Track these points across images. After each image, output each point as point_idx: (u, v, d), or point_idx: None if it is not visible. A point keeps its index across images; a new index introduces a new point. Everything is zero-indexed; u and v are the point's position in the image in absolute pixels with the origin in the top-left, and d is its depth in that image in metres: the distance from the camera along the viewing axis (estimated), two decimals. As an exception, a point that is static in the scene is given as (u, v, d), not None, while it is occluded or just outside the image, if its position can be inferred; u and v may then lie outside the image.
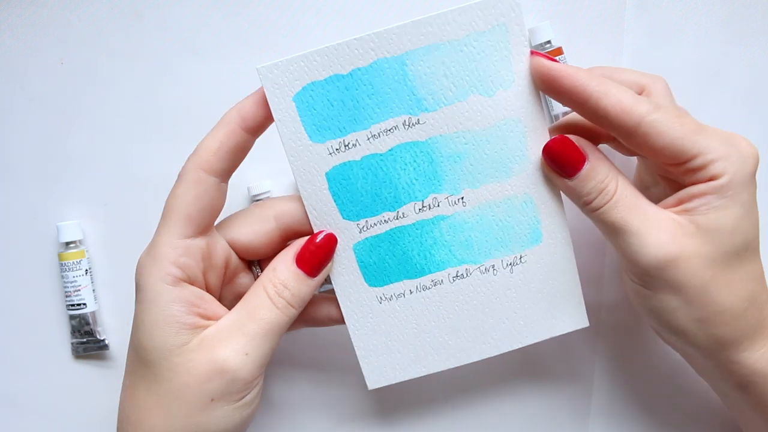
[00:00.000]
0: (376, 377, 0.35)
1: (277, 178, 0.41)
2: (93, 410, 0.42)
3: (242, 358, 0.30)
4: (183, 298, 0.30)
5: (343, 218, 0.33)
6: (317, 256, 0.32)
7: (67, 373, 0.42)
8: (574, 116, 0.33)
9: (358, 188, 0.32)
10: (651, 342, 0.41)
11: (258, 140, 0.32)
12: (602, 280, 0.41)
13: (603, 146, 0.38)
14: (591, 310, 0.35)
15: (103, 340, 0.41)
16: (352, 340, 0.34)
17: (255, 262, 0.35)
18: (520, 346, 0.34)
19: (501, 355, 0.34)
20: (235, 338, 0.30)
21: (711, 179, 0.29)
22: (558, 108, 0.40)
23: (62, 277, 0.41)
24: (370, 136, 0.32)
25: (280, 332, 0.31)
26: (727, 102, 0.41)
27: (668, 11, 0.41)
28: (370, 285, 0.34)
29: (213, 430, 0.30)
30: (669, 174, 0.32)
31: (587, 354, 0.41)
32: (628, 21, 0.41)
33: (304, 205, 0.33)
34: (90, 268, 0.41)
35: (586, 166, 0.31)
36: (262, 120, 0.31)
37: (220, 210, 0.32)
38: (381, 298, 0.34)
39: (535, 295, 0.34)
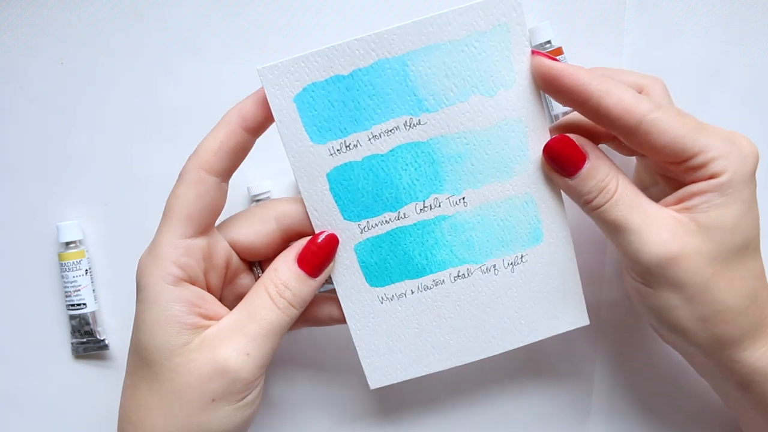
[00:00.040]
0: (377, 377, 0.35)
1: (278, 178, 0.41)
2: (93, 410, 0.42)
3: (243, 358, 0.30)
4: (184, 298, 0.30)
5: (345, 219, 0.33)
6: (319, 256, 0.32)
7: (67, 373, 0.42)
8: (575, 116, 0.33)
9: (359, 189, 0.32)
10: (651, 340, 0.41)
11: (258, 140, 0.32)
12: (603, 279, 0.41)
13: (602, 146, 0.38)
14: (591, 308, 0.35)
15: (103, 340, 0.41)
16: (354, 340, 0.34)
17: (256, 262, 0.35)
18: (521, 345, 0.34)
19: (502, 353, 0.34)
20: (236, 338, 0.30)
21: (712, 177, 0.29)
22: (558, 108, 0.40)
23: (62, 277, 0.41)
24: (371, 136, 0.32)
25: (281, 332, 0.31)
26: (727, 102, 0.41)
27: (668, 11, 0.41)
28: (371, 285, 0.34)
29: (214, 430, 0.30)
30: (669, 173, 0.32)
31: (588, 352, 0.42)
32: (628, 21, 0.41)
33: (305, 206, 0.33)
34: (90, 268, 0.41)
35: (587, 165, 0.31)
36: (263, 120, 0.31)
37: (221, 210, 0.32)
38: (382, 298, 0.34)
39: (536, 294, 0.34)
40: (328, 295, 0.35)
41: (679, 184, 0.31)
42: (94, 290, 0.42)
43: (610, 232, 0.31)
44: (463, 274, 0.34)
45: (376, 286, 0.34)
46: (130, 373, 0.32)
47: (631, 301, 0.34)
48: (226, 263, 0.33)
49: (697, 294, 0.30)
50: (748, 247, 0.30)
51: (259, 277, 0.34)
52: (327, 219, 0.33)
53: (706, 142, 0.29)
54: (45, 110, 0.42)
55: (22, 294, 0.42)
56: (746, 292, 0.30)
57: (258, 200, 0.40)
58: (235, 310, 0.32)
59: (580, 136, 0.32)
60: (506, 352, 0.34)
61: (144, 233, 0.33)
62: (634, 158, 0.38)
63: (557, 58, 0.40)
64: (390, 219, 0.33)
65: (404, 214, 0.33)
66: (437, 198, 0.33)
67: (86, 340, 0.41)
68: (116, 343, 0.42)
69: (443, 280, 0.34)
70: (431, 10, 0.30)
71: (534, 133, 0.32)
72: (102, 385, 0.42)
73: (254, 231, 0.33)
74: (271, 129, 0.32)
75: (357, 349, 0.34)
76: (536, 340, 0.34)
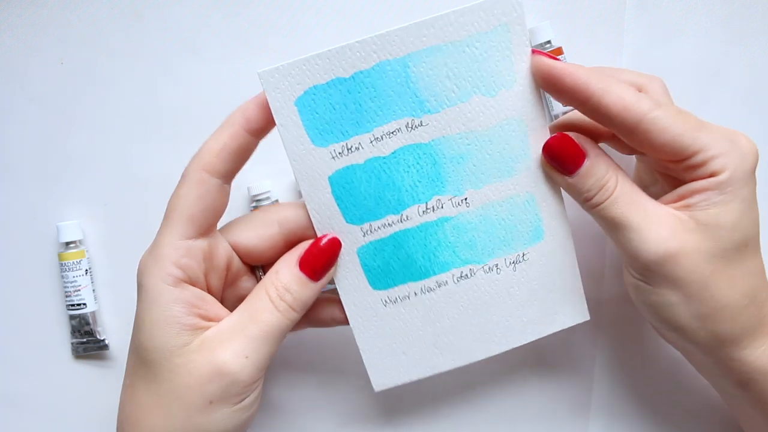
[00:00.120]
0: (381, 379, 0.34)
1: (278, 178, 0.41)
2: (93, 410, 0.42)
3: (242, 360, 0.30)
4: (183, 298, 0.30)
5: (347, 222, 0.33)
6: (320, 259, 0.32)
7: (67, 373, 0.42)
8: (574, 115, 0.33)
9: (362, 192, 0.32)
10: (651, 337, 0.41)
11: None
12: (603, 275, 0.41)
13: (602, 145, 0.38)
14: (592, 304, 0.35)
15: (103, 340, 0.41)
16: (358, 343, 0.34)
17: (259, 265, 0.35)
18: (524, 342, 0.34)
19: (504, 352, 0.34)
20: (235, 340, 0.30)
21: (711, 175, 0.30)
22: (558, 108, 0.40)
23: (62, 277, 0.41)
24: (372, 139, 0.31)
25: (281, 335, 0.31)
26: (727, 102, 0.41)
27: (668, 11, 0.41)
28: (374, 288, 0.33)
29: (212, 431, 0.30)
30: (669, 171, 0.32)
31: (588, 348, 0.42)
32: (628, 21, 0.41)
33: (307, 211, 0.32)
34: (90, 268, 0.41)
35: (586, 163, 0.31)
36: (266, 122, 0.31)
37: (223, 211, 0.32)
38: (386, 301, 0.34)
39: (538, 291, 0.34)
40: (330, 297, 0.35)
41: (679, 183, 0.31)
42: (94, 290, 0.42)
43: (610, 229, 0.32)
44: (466, 275, 0.34)
45: (379, 289, 0.33)
46: (130, 372, 0.32)
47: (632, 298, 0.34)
48: (227, 265, 0.33)
49: (695, 292, 0.30)
50: (748, 245, 0.30)
51: (261, 279, 0.34)
52: (329, 222, 0.33)
53: (705, 140, 0.29)
54: (45, 110, 0.42)
55: (22, 294, 0.42)
56: (745, 291, 0.30)
57: (258, 200, 0.40)
58: (235, 311, 0.32)
59: (580, 135, 0.32)
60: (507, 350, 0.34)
61: (144, 233, 0.33)
62: (634, 157, 0.38)
63: (557, 58, 0.40)
64: (393, 222, 0.33)
65: (407, 216, 0.33)
66: (439, 199, 0.33)
67: (86, 340, 0.41)
68: (116, 343, 0.42)
69: (446, 282, 0.34)
70: (432, 10, 0.30)
71: (534, 132, 0.32)
72: (102, 385, 0.42)
73: (256, 234, 0.33)
74: (273, 130, 0.32)
75: (361, 351, 0.34)
76: (539, 337, 0.34)
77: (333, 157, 0.32)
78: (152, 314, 0.30)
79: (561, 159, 0.31)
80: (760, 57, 0.41)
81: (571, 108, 0.37)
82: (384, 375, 0.34)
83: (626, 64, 0.41)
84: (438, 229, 0.33)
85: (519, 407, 0.42)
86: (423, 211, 0.33)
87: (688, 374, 0.40)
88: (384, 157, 0.32)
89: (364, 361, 0.34)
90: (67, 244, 0.41)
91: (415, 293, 0.34)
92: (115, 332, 0.42)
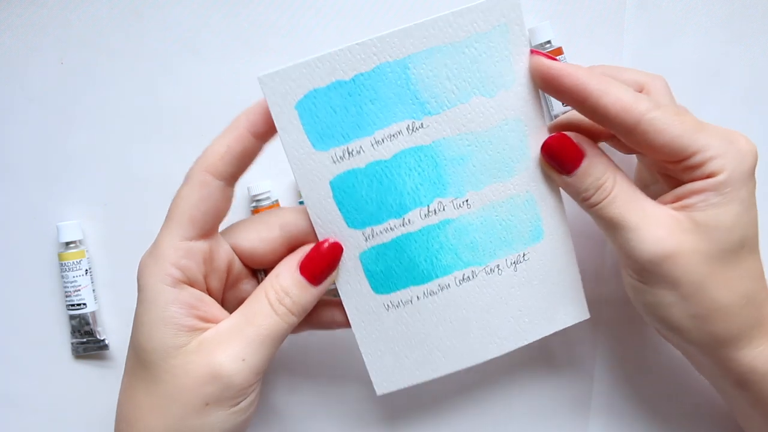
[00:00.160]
0: (384, 383, 0.34)
1: (278, 178, 0.41)
2: (93, 410, 0.42)
3: (239, 363, 0.30)
4: (182, 299, 0.30)
5: (349, 227, 0.32)
6: (320, 264, 0.32)
7: (67, 373, 0.42)
8: (574, 114, 0.33)
9: (363, 196, 0.32)
10: (651, 336, 0.41)
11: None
12: (603, 274, 0.41)
13: (602, 144, 0.38)
14: (592, 303, 0.35)
15: (103, 340, 0.41)
16: (360, 346, 0.34)
17: (261, 268, 0.35)
18: (526, 343, 0.34)
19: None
20: (233, 343, 0.30)
21: (709, 176, 0.29)
22: (558, 107, 0.40)
23: (62, 277, 0.41)
24: (374, 142, 0.31)
25: (279, 339, 0.31)
26: (727, 102, 0.41)
27: (668, 11, 0.41)
28: (376, 293, 0.33)
29: None
30: (668, 171, 0.32)
31: (588, 347, 0.42)
32: (628, 21, 0.41)
33: (309, 215, 0.32)
34: (90, 268, 0.41)
35: (584, 163, 0.31)
36: (270, 126, 0.31)
37: (225, 214, 0.32)
38: (388, 305, 0.33)
39: (539, 291, 0.34)
40: (331, 299, 0.35)
41: (678, 183, 0.31)
42: (94, 290, 0.42)
43: (607, 229, 0.32)
44: (468, 277, 0.33)
45: (382, 294, 0.33)
46: (128, 372, 0.31)
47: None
48: (228, 267, 0.33)
49: (692, 292, 0.30)
50: (745, 246, 0.30)
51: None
52: (330, 227, 0.32)
53: (704, 141, 0.29)
54: (45, 110, 0.42)
55: (22, 294, 0.42)
56: (742, 292, 0.30)
57: (258, 200, 0.40)
58: (234, 314, 0.31)
59: (578, 134, 0.32)
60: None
61: (144, 233, 0.33)
62: (635, 156, 0.38)
63: (557, 58, 0.40)
64: (395, 226, 0.32)
65: (409, 220, 0.32)
66: (441, 202, 0.32)
67: (86, 340, 0.41)
68: (116, 343, 0.42)
69: (449, 285, 0.33)
70: (431, 10, 0.30)
71: (533, 132, 0.32)
72: (102, 385, 0.42)
73: (258, 237, 0.33)
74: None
75: (363, 355, 0.34)
76: (539, 337, 0.34)
77: (334, 161, 0.31)
78: (150, 314, 0.30)
79: (559, 158, 0.31)
80: (760, 57, 0.41)
81: (570, 107, 0.37)
82: (386, 378, 0.34)
83: (626, 64, 0.41)
84: (440, 232, 0.33)
85: (519, 407, 0.42)
86: (425, 215, 0.32)
87: (688, 374, 0.40)
88: (385, 161, 0.32)
89: (367, 364, 0.34)
90: (67, 244, 0.41)
91: (418, 297, 0.33)
92: (115, 332, 0.42)
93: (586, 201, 0.32)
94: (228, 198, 0.32)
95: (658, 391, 0.41)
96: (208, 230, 0.31)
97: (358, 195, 0.32)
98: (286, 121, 0.31)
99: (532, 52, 0.31)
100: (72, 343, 0.42)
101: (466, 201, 0.33)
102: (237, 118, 0.31)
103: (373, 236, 0.32)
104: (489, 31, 0.30)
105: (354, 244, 0.32)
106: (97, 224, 0.42)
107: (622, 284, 0.34)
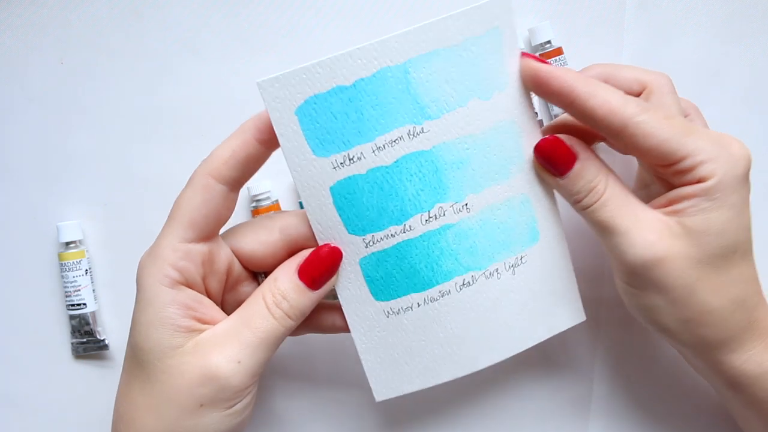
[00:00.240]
0: (383, 389, 0.34)
1: (278, 178, 0.41)
2: (93, 410, 0.42)
3: (234, 365, 0.30)
4: (179, 300, 0.30)
5: (349, 233, 0.32)
6: (319, 269, 0.31)
7: (67, 373, 0.42)
8: (569, 116, 0.33)
9: (364, 202, 0.31)
10: (651, 336, 0.41)
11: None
12: (602, 276, 0.41)
13: (602, 145, 0.38)
14: (591, 304, 0.35)
15: (103, 340, 0.41)
16: (359, 353, 0.34)
17: (261, 271, 0.34)
18: (525, 348, 0.34)
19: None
20: (229, 345, 0.30)
21: (699, 181, 0.29)
22: (558, 108, 0.40)
23: (62, 277, 0.41)
24: (375, 148, 0.31)
25: (275, 342, 0.31)
26: (727, 102, 0.41)
27: (668, 11, 0.41)
28: (377, 299, 0.33)
29: None
30: (660, 175, 0.32)
31: (587, 349, 0.42)
32: (628, 21, 0.41)
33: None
34: (90, 268, 0.41)
35: (576, 165, 0.31)
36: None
37: (226, 219, 0.32)
38: (388, 312, 0.33)
39: (536, 294, 0.34)
40: (331, 303, 0.35)
41: (672, 186, 0.31)
42: (94, 290, 0.42)
43: (599, 232, 0.32)
44: (468, 282, 0.33)
45: (382, 300, 0.33)
46: (126, 371, 0.31)
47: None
48: (228, 270, 0.33)
49: (681, 297, 0.30)
50: (736, 251, 0.30)
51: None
52: (331, 233, 0.32)
53: (694, 145, 0.29)
54: (45, 110, 0.42)
55: (22, 294, 0.42)
56: (732, 296, 0.30)
57: (258, 200, 0.40)
58: (231, 316, 0.31)
59: (571, 137, 0.32)
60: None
61: (144, 233, 0.33)
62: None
63: (557, 58, 0.40)
64: (396, 232, 0.32)
65: (410, 226, 0.32)
66: (441, 207, 0.32)
67: (86, 340, 0.41)
68: (116, 343, 0.42)
69: (449, 291, 0.33)
70: (431, 10, 0.30)
71: (527, 133, 0.32)
72: (102, 385, 0.42)
73: (257, 240, 0.32)
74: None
75: (362, 361, 0.34)
76: (538, 341, 0.34)
77: (334, 168, 0.31)
78: (148, 314, 0.30)
79: (552, 160, 0.31)
80: (760, 57, 0.41)
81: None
82: (386, 385, 0.34)
83: (626, 63, 0.41)
84: (440, 237, 0.32)
85: (519, 407, 0.42)
86: (425, 220, 0.32)
87: (688, 375, 0.40)
88: (386, 167, 0.31)
89: (366, 371, 0.34)
90: (67, 244, 0.41)
91: (418, 304, 0.33)
92: (115, 332, 0.42)
93: (578, 203, 0.32)
94: (231, 203, 0.31)
95: (657, 391, 0.41)
96: (208, 233, 0.31)
97: (358, 201, 0.31)
98: (286, 126, 0.30)
99: (522, 54, 0.31)
100: (72, 343, 0.42)
101: (466, 205, 0.32)
102: (245, 122, 0.31)
103: (373, 243, 0.32)
104: (483, 34, 0.30)
105: (354, 249, 0.32)
106: (97, 224, 0.42)
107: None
